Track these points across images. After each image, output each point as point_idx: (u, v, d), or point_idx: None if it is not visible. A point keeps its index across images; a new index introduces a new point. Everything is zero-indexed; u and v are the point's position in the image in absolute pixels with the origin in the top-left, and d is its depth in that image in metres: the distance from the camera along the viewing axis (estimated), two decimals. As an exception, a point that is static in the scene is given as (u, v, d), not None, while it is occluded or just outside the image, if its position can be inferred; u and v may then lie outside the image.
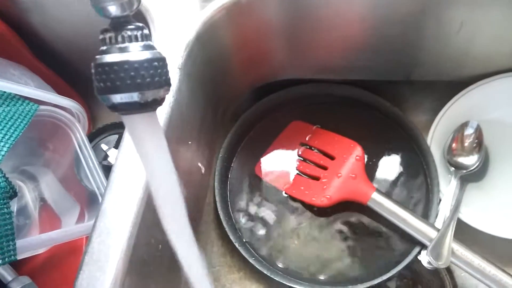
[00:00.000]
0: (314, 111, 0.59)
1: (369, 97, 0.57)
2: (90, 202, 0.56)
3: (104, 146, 0.61)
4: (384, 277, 0.48)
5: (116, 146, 0.61)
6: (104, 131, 0.63)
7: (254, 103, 0.58)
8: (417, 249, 0.49)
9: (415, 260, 0.50)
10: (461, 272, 0.52)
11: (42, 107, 0.54)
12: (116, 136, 0.63)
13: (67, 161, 0.59)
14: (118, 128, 0.63)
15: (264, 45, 0.50)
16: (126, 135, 0.39)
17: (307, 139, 0.58)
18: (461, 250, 0.47)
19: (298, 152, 0.57)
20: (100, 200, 0.54)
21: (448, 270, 0.52)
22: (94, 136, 0.63)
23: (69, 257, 0.55)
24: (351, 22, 0.48)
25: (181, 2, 0.46)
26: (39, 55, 0.61)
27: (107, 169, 0.57)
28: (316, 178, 0.54)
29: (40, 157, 0.60)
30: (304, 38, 0.50)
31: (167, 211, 0.28)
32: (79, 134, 0.57)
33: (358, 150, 0.54)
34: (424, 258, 0.48)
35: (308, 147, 0.57)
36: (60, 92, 0.61)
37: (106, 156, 0.60)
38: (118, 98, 0.24)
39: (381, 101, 0.57)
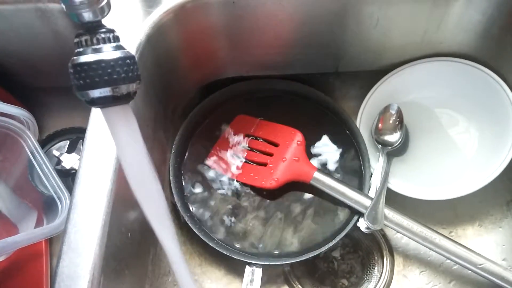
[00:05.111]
0: (257, 105, 0.64)
1: (304, 89, 0.64)
2: (47, 207, 0.57)
3: (56, 152, 0.62)
4: (330, 244, 0.54)
5: (69, 151, 0.63)
6: (54, 137, 0.64)
7: (201, 100, 0.62)
8: (355, 218, 0.56)
9: (355, 229, 0.56)
10: (393, 234, 0.60)
11: (-11, 118, 0.54)
12: (67, 141, 0.64)
13: (19, 169, 0.59)
14: (68, 133, 0.64)
15: (208, 46, 0.55)
16: (90, 133, 0.42)
17: (252, 130, 0.63)
18: (392, 213, 0.54)
19: (245, 143, 0.62)
20: (59, 204, 0.56)
21: (383, 234, 0.60)
22: (44, 143, 0.63)
23: (31, 262, 0.56)
24: (283, 21, 0.54)
25: (126, 9, 0.50)
26: (-20, 67, 0.61)
27: (61, 174, 0.59)
28: (264, 164, 0.60)
29: (-10, 169, 0.60)
30: (243, 38, 0.56)
31: (142, 192, 0.32)
32: (30, 141, 0.58)
33: (298, 136, 0.60)
34: (362, 223, 0.55)
35: (253, 137, 0.63)
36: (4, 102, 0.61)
37: (59, 161, 0.61)
38: (97, 93, 0.28)
39: (315, 92, 0.63)
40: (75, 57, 0.28)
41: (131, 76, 0.29)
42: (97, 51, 0.28)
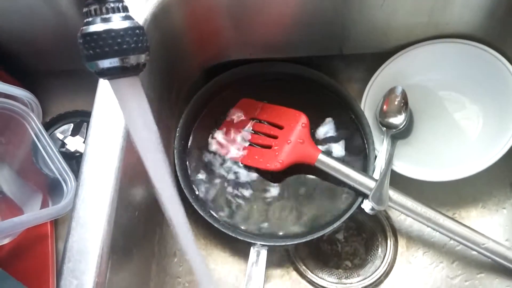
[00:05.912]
0: (261, 88, 0.64)
1: (309, 72, 0.63)
2: (53, 189, 0.57)
3: (60, 135, 0.62)
4: (335, 225, 0.55)
5: (73, 134, 0.63)
6: (57, 121, 0.64)
7: (205, 83, 0.62)
8: (360, 200, 0.56)
9: (359, 212, 0.56)
10: (397, 216, 0.60)
11: (-8, 100, 0.54)
12: (71, 124, 0.64)
13: (24, 151, 0.59)
14: (72, 117, 0.64)
15: (212, 26, 0.55)
16: (96, 111, 0.42)
17: (256, 114, 0.63)
18: (396, 195, 0.54)
19: (249, 126, 0.62)
20: (64, 186, 0.56)
21: (387, 216, 0.60)
22: (48, 126, 0.63)
23: (36, 244, 0.56)
24: (287, 0, 0.53)
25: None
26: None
27: (66, 157, 0.59)
28: (268, 147, 0.60)
29: (-6, 152, 0.60)
30: (247, 18, 0.55)
31: (151, 161, 0.32)
32: (34, 123, 0.57)
33: (303, 118, 0.60)
34: (367, 205, 0.55)
35: (258, 121, 0.62)
36: (8, 85, 0.60)
37: (63, 144, 0.61)
38: (106, 63, 0.28)
39: (319, 75, 0.63)
40: (84, 27, 0.28)
41: (140, 47, 0.29)
42: (106, 20, 0.28)
